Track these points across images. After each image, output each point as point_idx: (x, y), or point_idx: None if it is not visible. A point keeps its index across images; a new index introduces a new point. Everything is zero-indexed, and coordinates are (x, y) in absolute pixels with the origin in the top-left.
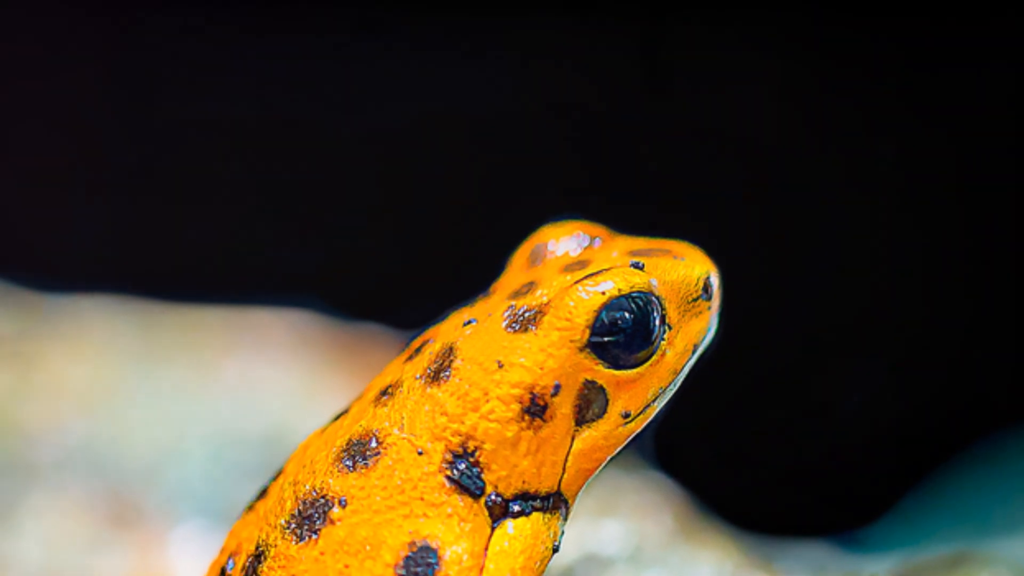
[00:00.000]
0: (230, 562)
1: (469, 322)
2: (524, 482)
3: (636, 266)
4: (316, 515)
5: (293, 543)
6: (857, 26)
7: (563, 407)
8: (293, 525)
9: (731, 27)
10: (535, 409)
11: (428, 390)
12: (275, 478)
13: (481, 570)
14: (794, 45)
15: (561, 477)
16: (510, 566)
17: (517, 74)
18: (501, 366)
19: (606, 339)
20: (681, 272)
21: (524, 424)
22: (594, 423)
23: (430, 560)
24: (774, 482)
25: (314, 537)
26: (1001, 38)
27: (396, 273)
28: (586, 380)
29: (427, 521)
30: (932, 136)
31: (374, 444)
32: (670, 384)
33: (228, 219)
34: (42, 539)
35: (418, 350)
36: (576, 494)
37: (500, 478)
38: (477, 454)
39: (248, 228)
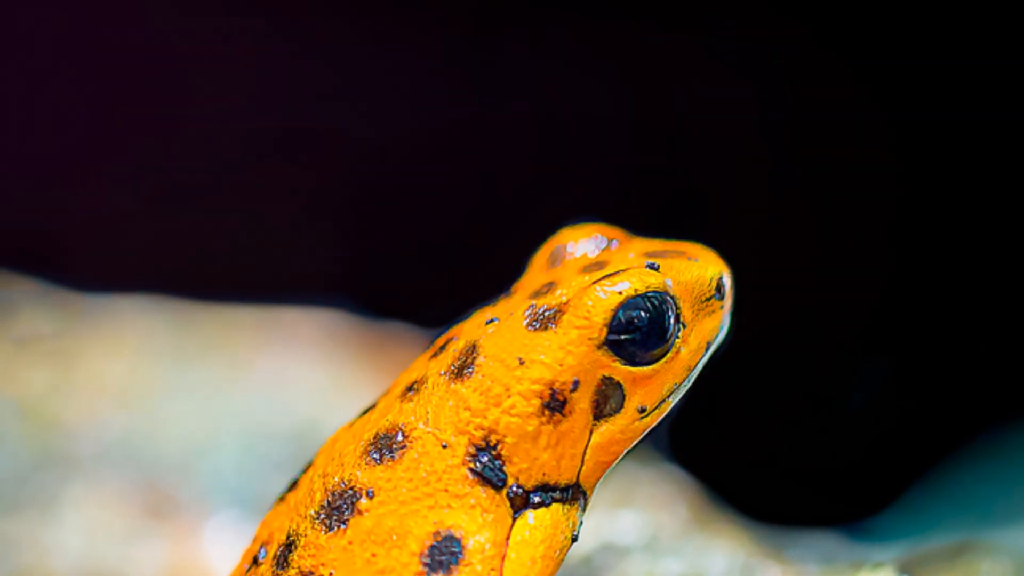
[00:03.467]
0: (262, 551)
1: (491, 320)
2: (544, 474)
3: (652, 267)
4: (344, 506)
5: (322, 533)
6: (858, 25)
7: (582, 402)
8: (322, 515)
9: (734, 28)
10: (555, 404)
11: (452, 386)
12: (305, 470)
13: (503, 559)
14: (798, 45)
15: (580, 469)
16: (531, 555)
17: (539, 78)
18: (522, 363)
19: (623, 337)
20: (695, 272)
21: (544, 418)
22: (611, 418)
23: (454, 549)
24: (784, 475)
25: (342, 527)
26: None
27: (421, 274)
28: (604, 376)
29: (451, 512)
30: (932, 135)
31: (400, 438)
32: (684, 380)
33: (260, 221)
34: (81, 529)
35: (442, 347)
36: (594, 486)
37: (521, 470)
38: (499, 447)
39: (279, 230)
